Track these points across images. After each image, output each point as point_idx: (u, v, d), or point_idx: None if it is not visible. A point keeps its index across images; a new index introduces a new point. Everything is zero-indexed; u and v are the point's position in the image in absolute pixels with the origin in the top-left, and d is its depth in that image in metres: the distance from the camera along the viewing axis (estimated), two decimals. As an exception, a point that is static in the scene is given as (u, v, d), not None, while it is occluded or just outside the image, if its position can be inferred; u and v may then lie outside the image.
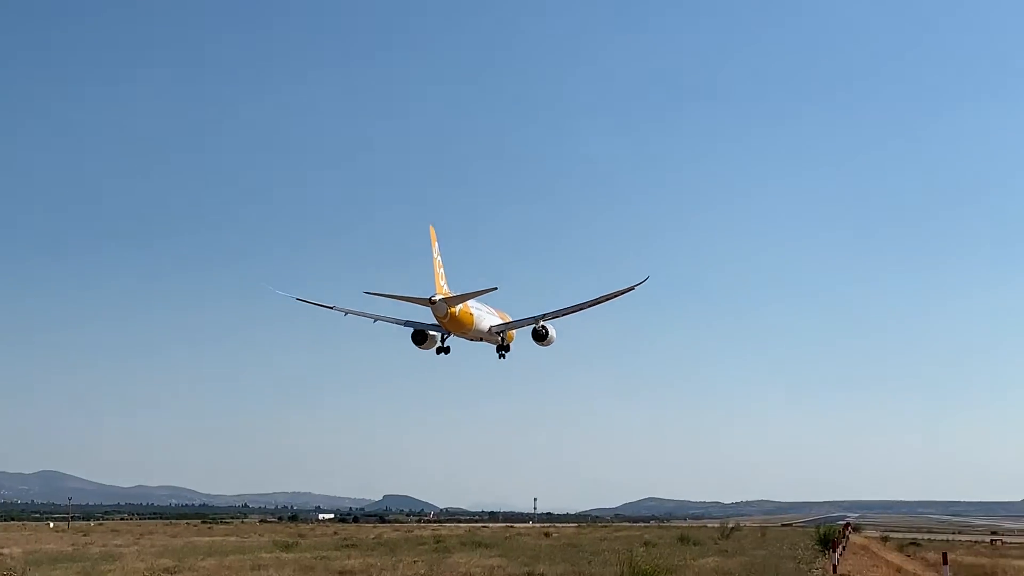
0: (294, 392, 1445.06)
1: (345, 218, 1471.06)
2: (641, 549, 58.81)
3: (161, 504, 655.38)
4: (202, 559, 57.34)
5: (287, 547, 71.33)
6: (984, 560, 69.40)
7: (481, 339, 77.90)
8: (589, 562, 54.09)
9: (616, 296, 73.42)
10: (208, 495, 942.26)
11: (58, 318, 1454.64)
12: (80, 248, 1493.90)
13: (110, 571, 47.34)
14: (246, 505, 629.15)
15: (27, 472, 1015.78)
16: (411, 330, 75.99)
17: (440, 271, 72.76)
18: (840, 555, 57.50)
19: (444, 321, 72.68)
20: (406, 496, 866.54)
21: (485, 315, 75.82)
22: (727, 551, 70.74)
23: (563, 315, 76.43)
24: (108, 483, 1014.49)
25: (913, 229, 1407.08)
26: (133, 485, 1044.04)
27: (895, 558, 73.42)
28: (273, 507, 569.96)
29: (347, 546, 75.15)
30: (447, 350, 77.50)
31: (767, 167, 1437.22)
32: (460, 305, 72.10)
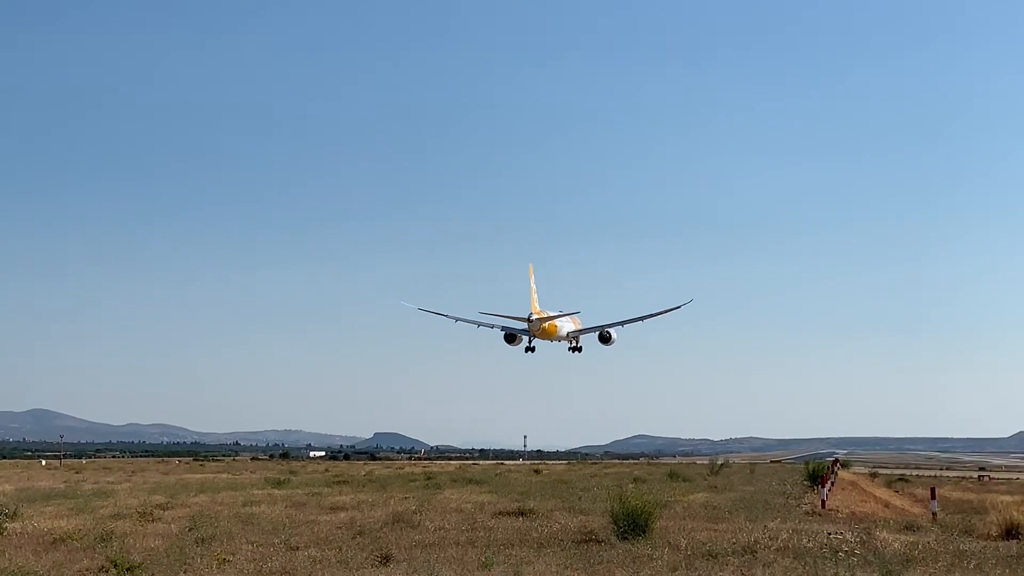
0: (285, 330, 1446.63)
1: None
2: (631, 485, 59.01)
3: (153, 442, 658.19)
4: (194, 495, 57.57)
5: (279, 484, 71.59)
6: (972, 495, 69.86)
7: (560, 341, 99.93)
8: (579, 498, 54.35)
9: (662, 314, 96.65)
10: (199, 433, 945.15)
11: (52, 256, 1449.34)
12: (74, 184, 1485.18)
13: (103, 507, 47.50)
14: (237, 443, 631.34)
15: (18, 410, 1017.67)
16: (504, 332, 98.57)
17: (535, 296, 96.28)
18: (829, 490, 57.77)
19: (536, 332, 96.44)
20: (397, 434, 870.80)
21: (565, 324, 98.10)
22: (716, 487, 71.13)
23: (619, 325, 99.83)
24: (100, 421, 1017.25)
25: (902, 165, 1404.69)
26: (125, 423, 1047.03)
27: (883, 493, 73.86)
28: (264, 445, 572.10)
29: (338, 483, 75.43)
30: (533, 349, 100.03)
31: (744, 92, 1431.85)
32: (548, 323, 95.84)
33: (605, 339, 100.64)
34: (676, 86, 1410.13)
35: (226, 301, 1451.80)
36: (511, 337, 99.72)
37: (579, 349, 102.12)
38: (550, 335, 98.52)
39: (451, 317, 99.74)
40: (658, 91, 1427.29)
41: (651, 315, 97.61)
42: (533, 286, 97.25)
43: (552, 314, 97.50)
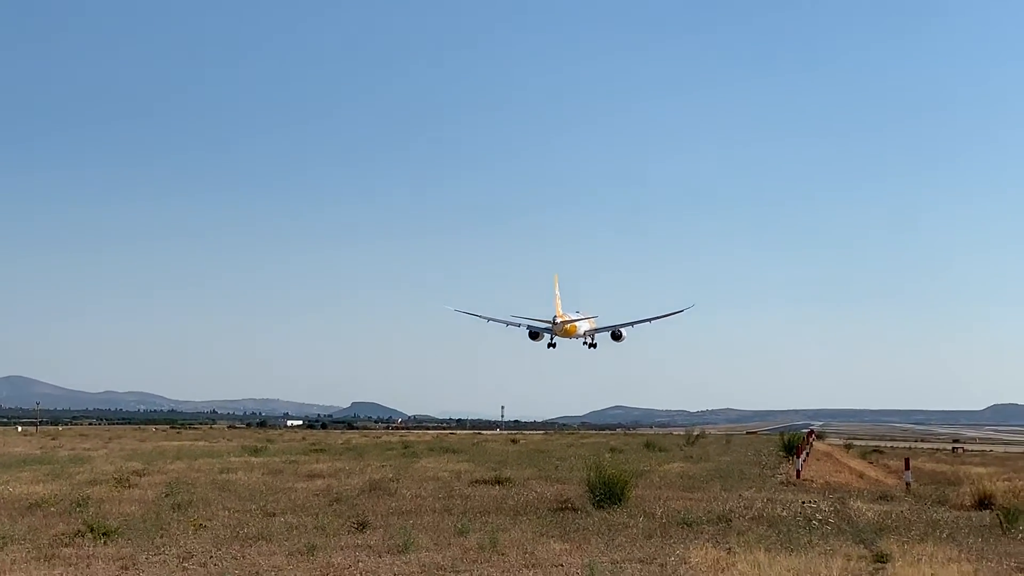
0: (263, 299, 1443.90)
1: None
2: (607, 455, 59.24)
3: (129, 410, 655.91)
4: (171, 462, 57.49)
5: (256, 451, 71.53)
6: (945, 467, 70.37)
7: (578, 338, 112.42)
8: (556, 467, 54.50)
9: (667, 316, 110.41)
10: (176, 401, 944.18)
11: (28, 224, 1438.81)
12: (48, 147, 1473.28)
13: (79, 473, 47.41)
14: (214, 411, 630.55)
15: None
16: (528, 331, 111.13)
17: (559, 301, 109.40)
18: (804, 461, 58.11)
19: (558, 332, 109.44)
20: (374, 403, 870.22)
21: (583, 324, 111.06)
22: (692, 457, 71.44)
23: (629, 325, 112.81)
24: (76, 388, 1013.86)
25: (884, 139, 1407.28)
26: (101, 391, 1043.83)
27: (858, 464, 74.35)
28: (241, 413, 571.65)
29: (315, 451, 75.44)
30: (554, 346, 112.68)
31: (720, 67, 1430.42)
32: (569, 324, 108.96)
33: (616, 336, 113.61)
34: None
35: (205, 270, 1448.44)
36: (535, 335, 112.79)
37: (594, 345, 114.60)
38: (570, 334, 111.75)
39: (484, 317, 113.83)
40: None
41: (657, 317, 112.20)
42: (557, 292, 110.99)
43: (573, 317, 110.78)
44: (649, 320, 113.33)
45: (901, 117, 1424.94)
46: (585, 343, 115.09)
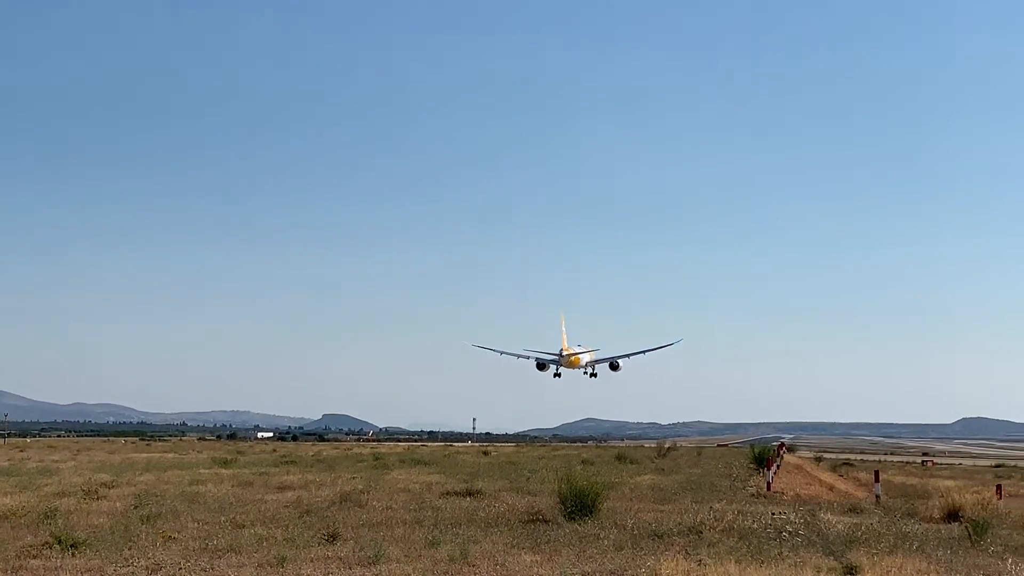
0: (235, 310, 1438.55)
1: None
2: (579, 467, 59.18)
3: (99, 422, 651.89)
4: (140, 474, 57.17)
5: (226, 463, 71.17)
6: (915, 480, 70.82)
7: (581, 368, 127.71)
8: (527, 479, 54.44)
9: (659, 349, 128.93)
10: (146, 413, 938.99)
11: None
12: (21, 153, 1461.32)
13: (47, 485, 47.06)
14: (184, 423, 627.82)
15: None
16: (536, 362, 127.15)
17: (564, 336, 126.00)
18: (774, 473, 58.25)
19: (564, 363, 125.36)
20: (346, 415, 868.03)
21: (585, 355, 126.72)
22: (663, 469, 71.48)
23: (626, 356, 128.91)
24: (45, 400, 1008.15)
25: (855, 155, 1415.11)
26: (71, 403, 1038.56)
27: (828, 477, 74.62)
28: (212, 425, 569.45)
29: (286, 463, 75.12)
30: (559, 375, 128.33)
31: (690, 80, 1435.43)
32: (574, 356, 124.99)
33: (614, 367, 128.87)
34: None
35: (175, 280, 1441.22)
36: (542, 366, 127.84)
37: (595, 375, 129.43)
38: (574, 366, 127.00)
39: (497, 351, 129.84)
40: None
41: (649, 349, 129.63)
42: (564, 328, 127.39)
43: (577, 350, 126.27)
44: (643, 352, 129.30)
45: (870, 131, 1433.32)
46: (586, 373, 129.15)
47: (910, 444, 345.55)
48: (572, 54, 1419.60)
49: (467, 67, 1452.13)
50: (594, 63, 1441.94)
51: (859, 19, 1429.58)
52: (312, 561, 23.54)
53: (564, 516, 32.38)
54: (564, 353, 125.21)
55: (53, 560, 23.57)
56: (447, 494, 43.20)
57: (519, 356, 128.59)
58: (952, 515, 35.85)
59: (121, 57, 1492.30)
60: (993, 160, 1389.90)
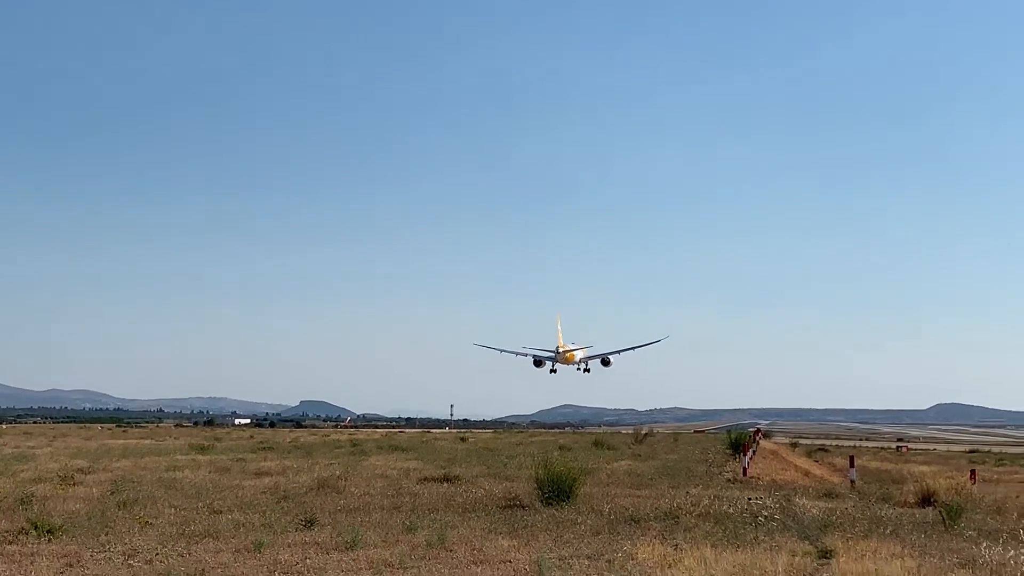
0: (211, 296, 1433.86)
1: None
2: (556, 453, 59.28)
3: (75, 408, 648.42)
4: (116, 460, 57.00)
5: (203, 450, 71.00)
6: (890, 465, 71.24)
7: (575, 365, 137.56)
8: (505, 465, 54.54)
9: (647, 345, 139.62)
10: (123, 399, 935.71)
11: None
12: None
13: (23, 471, 46.87)
14: (161, 410, 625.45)
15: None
16: (533, 359, 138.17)
17: (560, 334, 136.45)
18: (750, 459, 58.52)
19: (559, 360, 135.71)
20: (323, 402, 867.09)
21: (579, 352, 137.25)
22: (640, 455, 71.75)
23: (617, 353, 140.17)
24: (20, 387, 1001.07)
25: (835, 140, 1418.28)
26: (46, 389, 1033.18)
27: (803, 462, 75.02)
28: (189, 412, 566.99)
29: (263, 449, 75.01)
30: (555, 371, 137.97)
31: (667, 68, 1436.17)
32: (569, 352, 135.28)
33: (606, 363, 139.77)
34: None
35: (152, 265, 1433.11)
36: (538, 363, 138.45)
37: (588, 370, 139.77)
38: (569, 362, 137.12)
39: (497, 349, 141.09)
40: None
41: (639, 346, 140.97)
42: (560, 328, 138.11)
43: (571, 347, 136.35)
44: (633, 348, 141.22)
45: (843, 112, 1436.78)
46: (579, 369, 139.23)
47: (885, 430, 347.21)
48: (541, 46, 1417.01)
49: (450, 61, 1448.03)
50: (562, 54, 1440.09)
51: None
52: (290, 546, 23.56)
53: (541, 501, 32.48)
54: (560, 350, 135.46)
55: (29, 546, 23.53)
56: (425, 480, 43.27)
57: (518, 354, 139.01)
58: (926, 500, 36.09)
59: (88, 41, 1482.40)
60: (970, 147, 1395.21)
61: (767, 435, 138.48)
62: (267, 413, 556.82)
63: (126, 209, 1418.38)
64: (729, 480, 48.87)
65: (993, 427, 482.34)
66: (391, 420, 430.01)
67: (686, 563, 21.05)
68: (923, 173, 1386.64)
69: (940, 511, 30.27)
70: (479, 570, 20.74)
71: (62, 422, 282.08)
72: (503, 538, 25.07)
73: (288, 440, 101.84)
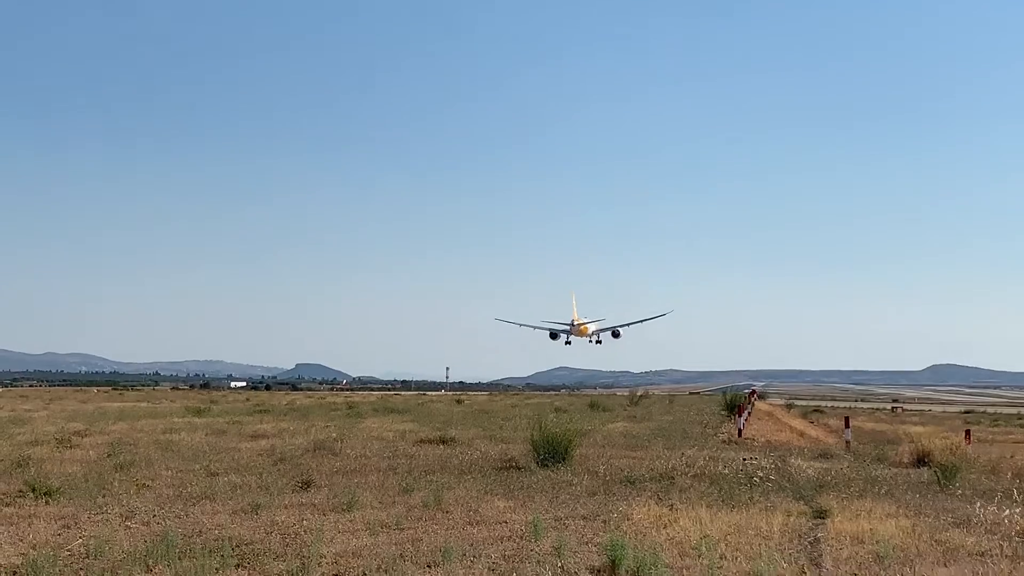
0: (206, 259, 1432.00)
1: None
2: (552, 415, 59.39)
3: (71, 371, 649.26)
4: (113, 423, 57.01)
5: (199, 412, 71.06)
6: (885, 426, 71.56)
7: (588, 337, 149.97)
8: (500, 427, 54.64)
9: (655, 319, 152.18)
10: (119, 363, 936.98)
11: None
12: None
13: (20, 434, 46.88)
14: (157, 373, 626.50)
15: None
16: (549, 332, 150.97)
17: (575, 309, 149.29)
18: (745, 420, 58.69)
19: (573, 332, 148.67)
20: (319, 365, 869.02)
21: (592, 325, 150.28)
22: (635, 417, 71.90)
23: (626, 326, 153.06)
24: (16, 350, 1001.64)
25: (820, 90, 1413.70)
26: (42, 352, 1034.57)
27: (799, 424, 75.27)
28: (185, 375, 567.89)
29: (259, 411, 75.10)
30: (569, 343, 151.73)
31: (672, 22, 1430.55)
32: (583, 325, 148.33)
33: (616, 335, 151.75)
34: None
35: (148, 230, 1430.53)
36: (554, 335, 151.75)
37: (600, 342, 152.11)
38: (583, 334, 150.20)
39: (519, 324, 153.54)
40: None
41: (647, 319, 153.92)
42: (574, 303, 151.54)
43: (585, 320, 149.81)
44: (641, 321, 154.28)
45: (842, 83, 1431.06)
46: (591, 340, 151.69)
47: (880, 391, 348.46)
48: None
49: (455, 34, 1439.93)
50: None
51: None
52: (286, 508, 23.59)
53: (537, 463, 32.52)
54: (575, 323, 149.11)
55: (27, 508, 23.53)
56: (421, 442, 43.32)
57: (536, 328, 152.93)
58: (921, 460, 36.20)
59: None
60: (966, 101, 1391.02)
61: (762, 396, 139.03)
62: (263, 376, 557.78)
63: (123, 174, 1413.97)
64: (724, 441, 48.98)
65: (988, 388, 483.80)
66: (386, 383, 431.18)
67: (681, 523, 21.11)
68: (911, 135, 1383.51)
69: (935, 471, 30.37)
70: (475, 531, 20.78)
71: (58, 385, 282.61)
72: (499, 499, 25.12)
73: (284, 403, 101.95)
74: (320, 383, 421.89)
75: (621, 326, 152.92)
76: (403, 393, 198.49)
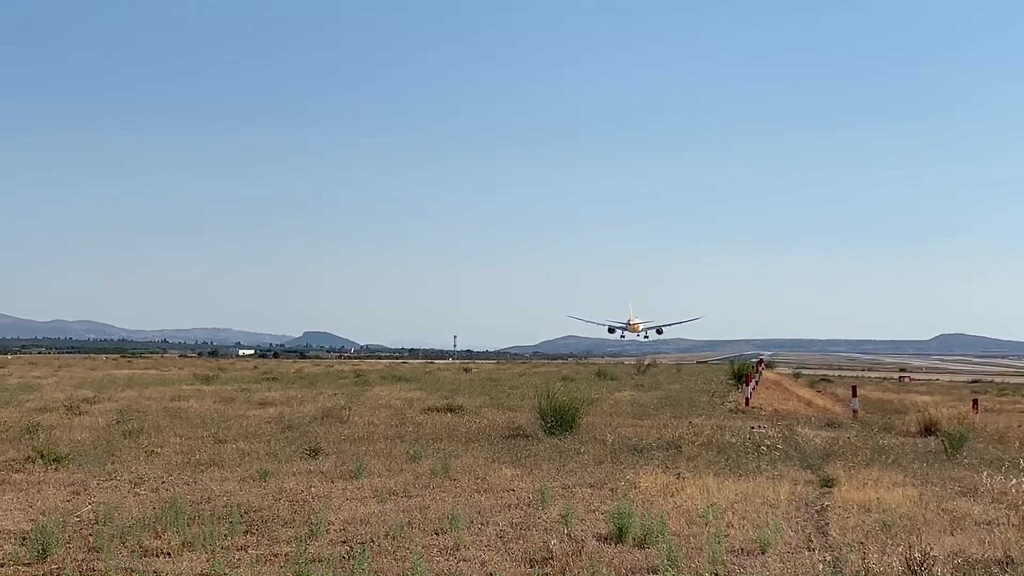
0: (214, 226, 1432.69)
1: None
2: (559, 383, 59.33)
3: (79, 339, 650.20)
4: (122, 390, 57.15)
5: (207, 380, 71.33)
6: (892, 396, 71.37)
7: (639, 333, 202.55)
8: (508, 395, 54.80)
9: (688, 322, 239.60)
10: (127, 330, 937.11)
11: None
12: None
13: (29, 400, 47.06)
14: (165, 340, 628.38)
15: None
16: (607, 327, 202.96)
17: (632, 310, 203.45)
18: (753, 389, 58.70)
19: (628, 330, 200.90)
20: (327, 333, 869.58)
21: (642, 324, 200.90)
22: (643, 386, 72.03)
23: (669, 325, 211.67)
24: (24, 317, 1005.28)
25: (827, 75, 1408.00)
26: (50, 319, 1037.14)
27: (806, 393, 75.17)
28: (193, 343, 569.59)
29: (267, 379, 75.34)
30: (624, 337, 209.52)
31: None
32: (635, 324, 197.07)
33: (659, 332, 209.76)
34: None
35: (153, 196, 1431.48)
36: (611, 330, 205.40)
37: (647, 337, 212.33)
38: (635, 331, 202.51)
39: (590, 322, 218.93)
40: None
41: (686, 320, 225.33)
42: (631, 306, 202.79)
43: (637, 321, 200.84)
44: (680, 323, 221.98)
45: (853, 50, 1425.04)
46: (639, 336, 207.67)
47: (888, 360, 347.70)
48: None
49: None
50: None
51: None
52: (295, 475, 23.66)
53: (544, 431, 32.58)
54: (630, 322, 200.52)
55: (36, 474, 23.62)
56: (428, 410, 43.38)
57: (600, 324, 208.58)
58: (928, 429, 36.22)
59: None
60: (979, 64, 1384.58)
61: (770, 366, 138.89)
62: (271, 344, 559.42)
63: (133, 141, 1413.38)
64: (732, 410, 49.05)
65: (995, 357, 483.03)
66: (394, 351, 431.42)
67: (688, 492, 21.15)
68: (917, 103, 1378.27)
69: (942, 440, 30.38)
70: (483, 498, 20.83)
71: (67, 352, 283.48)
72: (506, 467, 25.17)
73: (292, 371, 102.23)
74: (328, 351, 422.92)
75: (665, 325, 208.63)
76: (411, 361, 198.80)
